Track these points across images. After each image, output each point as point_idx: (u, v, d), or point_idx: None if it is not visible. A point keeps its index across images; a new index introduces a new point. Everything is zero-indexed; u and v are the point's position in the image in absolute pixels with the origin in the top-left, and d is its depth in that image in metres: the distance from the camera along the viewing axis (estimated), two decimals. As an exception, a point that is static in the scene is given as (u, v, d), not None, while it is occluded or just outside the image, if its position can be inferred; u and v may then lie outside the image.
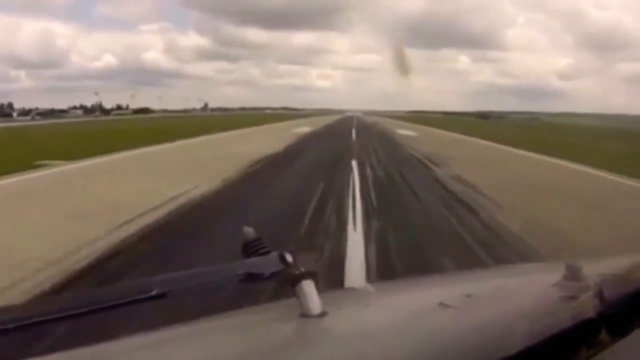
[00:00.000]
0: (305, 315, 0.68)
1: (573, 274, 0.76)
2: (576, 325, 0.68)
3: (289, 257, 0.70)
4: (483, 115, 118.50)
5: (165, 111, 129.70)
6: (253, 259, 0.71)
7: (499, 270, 1.41)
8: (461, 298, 0.76)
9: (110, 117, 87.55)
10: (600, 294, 0.71)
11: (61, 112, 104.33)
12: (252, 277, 0.68)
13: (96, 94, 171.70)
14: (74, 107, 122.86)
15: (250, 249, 0.73)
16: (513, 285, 0.93)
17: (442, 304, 0.73)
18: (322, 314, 0.68)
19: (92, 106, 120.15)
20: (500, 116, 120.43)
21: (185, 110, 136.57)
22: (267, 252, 0.72)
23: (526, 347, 0.62)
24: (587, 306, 0.70)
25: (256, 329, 0.73)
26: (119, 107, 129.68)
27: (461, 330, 0.69)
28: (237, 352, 0.64)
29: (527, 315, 0.70)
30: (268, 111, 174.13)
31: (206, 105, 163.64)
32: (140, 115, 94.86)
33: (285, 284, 0.70)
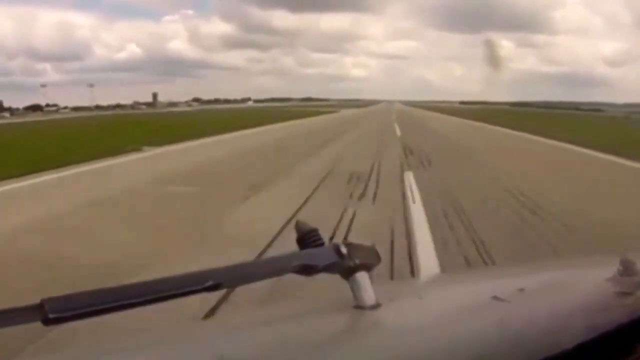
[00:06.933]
0: (359, 307, 0.69)
1: (627, 268, 0.74)
2: (631, 322, 0.67)
3: (343, 249, 0.70)
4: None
5: (98, 107, 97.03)
6: (308, 251, 0.72)
7: (551, 264, 1.38)
8: (514, 292, 0.76)
9: None
10: None
11: None
12: (306, 269, 0.68)
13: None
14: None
15: (305, 240, 0.74)
16: (566, 280, 0.92)
17: (495, 298, 0.73)
18: (376, 306, 0.69)
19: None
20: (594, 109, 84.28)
21: (132, 106, 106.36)
22: (322, 244, 0.73)
23: (580, 343, 0.62)
24: None
25: (310, 320, 0.74)
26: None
27: (515, 325, 0.69)
28: (291, 343, 0.65)
29: (581, 311, 0.70)
30: (250, 103, 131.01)
31: (155, 97, 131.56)
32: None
33: (340, 276, 0.71)
